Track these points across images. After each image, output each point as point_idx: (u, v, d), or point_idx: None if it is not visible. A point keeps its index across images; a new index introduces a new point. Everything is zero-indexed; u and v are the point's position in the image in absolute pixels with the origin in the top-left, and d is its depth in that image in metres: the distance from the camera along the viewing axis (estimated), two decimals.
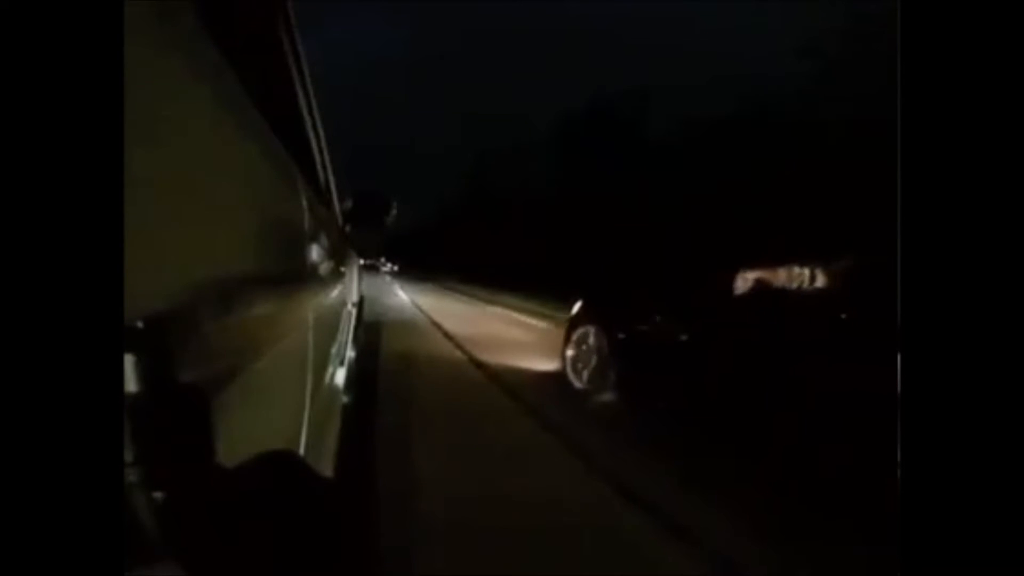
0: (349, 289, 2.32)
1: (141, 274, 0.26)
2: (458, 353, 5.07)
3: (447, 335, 6.24)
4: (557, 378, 3.82)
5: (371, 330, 5.00)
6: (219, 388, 0.37)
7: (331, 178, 1.97)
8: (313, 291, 0.92)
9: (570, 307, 3.97)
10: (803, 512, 2.11)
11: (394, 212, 2.20)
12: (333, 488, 0.55)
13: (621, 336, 3.30)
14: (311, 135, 1.50)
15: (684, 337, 2.92)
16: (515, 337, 6.54)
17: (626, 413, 3.20)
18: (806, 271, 2.63)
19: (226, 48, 0.49)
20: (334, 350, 1.51)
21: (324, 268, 1.15)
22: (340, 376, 1.79)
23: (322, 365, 1.12)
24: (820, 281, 2.57)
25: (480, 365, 4.46)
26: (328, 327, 1.31)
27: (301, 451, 0.73)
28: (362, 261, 3.80)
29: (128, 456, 0.23)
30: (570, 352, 3.74)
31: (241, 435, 0.41)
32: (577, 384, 3.63)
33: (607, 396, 3.33)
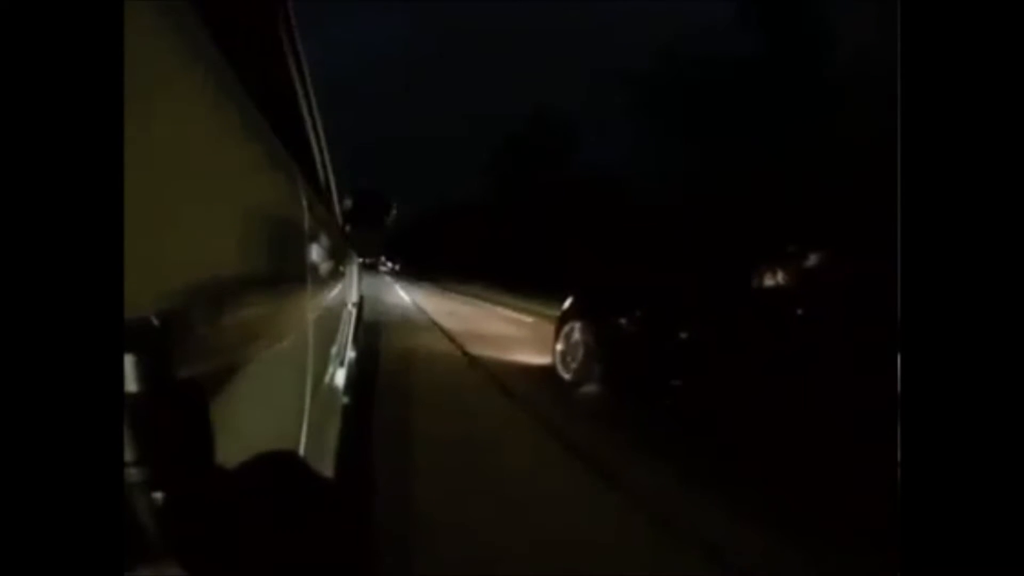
0: (349, 289, 2.32)
1: (141, 274, 0.26)
2: (457, 350, 5.28)
3: (447, 334, 6.42)
4: (548, 371, 4.06)
5: (371, 329, 5.26)
6: (219, 388, 0.37)
7: (331, 178, 1.97)
8: (313, 291, 0.92)
9: (561, 304, 4.18)
10: (770, 493, 2.28)
11: (394, 212, 2.20)
12: (333, 488, 0.55)
13: (607, 332, 3.48)
14: (311, 134, 1.50)
15: (667, 333, 3.07)
16: (510, 333, 6.84)
17: (610, 403, 3.40)
18: (787, 268, 2.77)
19: (226, 48, 0.49)
20: (334, 350, 1.51)
21: (324, 268, 1.15)
22: (340, 376, 1.79)
23: (322, 365, 1.12)
24: (801, 279, 2.69)
25: (477, 360, 4.68)
26: (328, 327, 1.31)
27: (301, 451, 0.73)
28: (362, 260, 3.83)
29: (128, 456, 0.23)
30: (559, 347, 3.96)
31: (241, 435, 0.41)
32: (566, 376, 3.84)
33: (592, 388, 3.57)
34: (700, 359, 2.86)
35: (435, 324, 7.55)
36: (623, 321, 3.40)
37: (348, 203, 2.14)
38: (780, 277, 2.75)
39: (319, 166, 1.64)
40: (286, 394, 0.69)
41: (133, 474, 0.23)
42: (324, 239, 1.17)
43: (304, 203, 0.88)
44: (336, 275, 1.53)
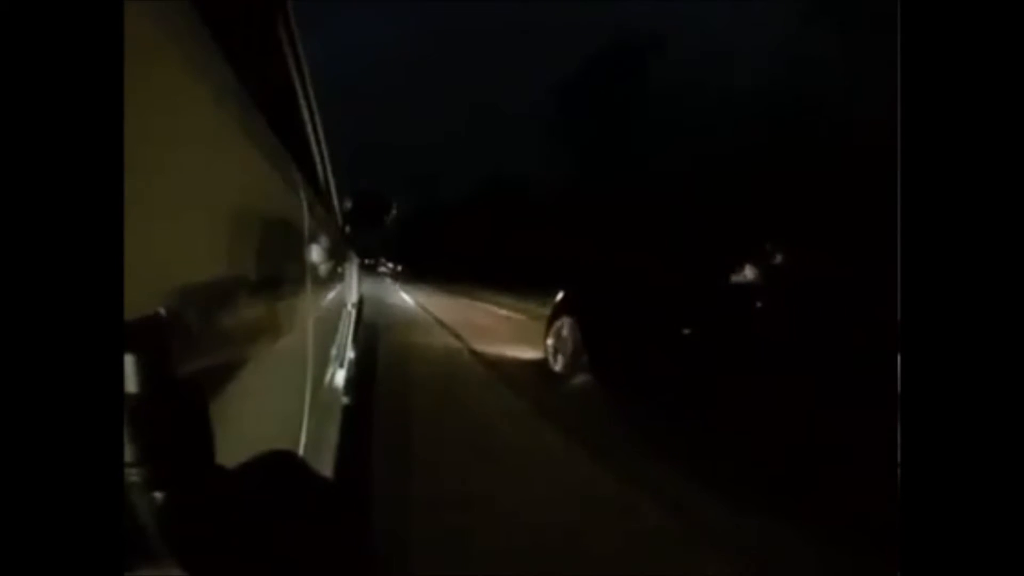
0: (348, 290, 2.32)
1: (141, 274, 0.26)
2: (458, 344, 5.77)
3: (450, 330, 6.94)
4: (540, 364, 4.42)
5: (376, 324, 5.64)
6: (219, 388, 0.37)
7: (331, 178, 1.97)
8: (312, 291, 0.92)
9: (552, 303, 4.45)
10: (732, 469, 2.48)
11: (394, 212, 2.20)
12: (333, 488, 0.55)
13: (594, 328, 3.73)
14: (310, 134, 1.50)
15: (651, 328, 3.28)
16: (506, 330, 7.34)
17: (596, 393, 3.63)
18: (767, 265, 2.93)
19: (226, 48, 0.49)
20: (334, 351, 1.51)
21: (323, 268, 1.15)
22: (340, 376, 1.79)
23: (322, 365, 1.12)
24: (783, 276, 2.85)
25: (476, 354, 5.10)
26: (327, 327, 1.31)
27: (301, 451, 0.73)
28: (362, 260, 3.88)
29: (128, 456, 0.23)
30: (550, 341, 4.25)
31: (241, 435, 0.41)
32: (556, 369, 4.11)
33: (580, 379, 3.80)
34: (683, 353, 3.01)
35: (437, 321, 7.96)
36: (609, 317, 3.61)
37: (348, 204, 2.14)
38: (759, 274, 2.91)
39: (319, 166, 1.64)
40: (286, 394, 0.69)
41: (133, 474, 0.23)
42: (324, 239, 1.18)
43: (304, 203, 0.88)
44: (336, 275, 1.53)
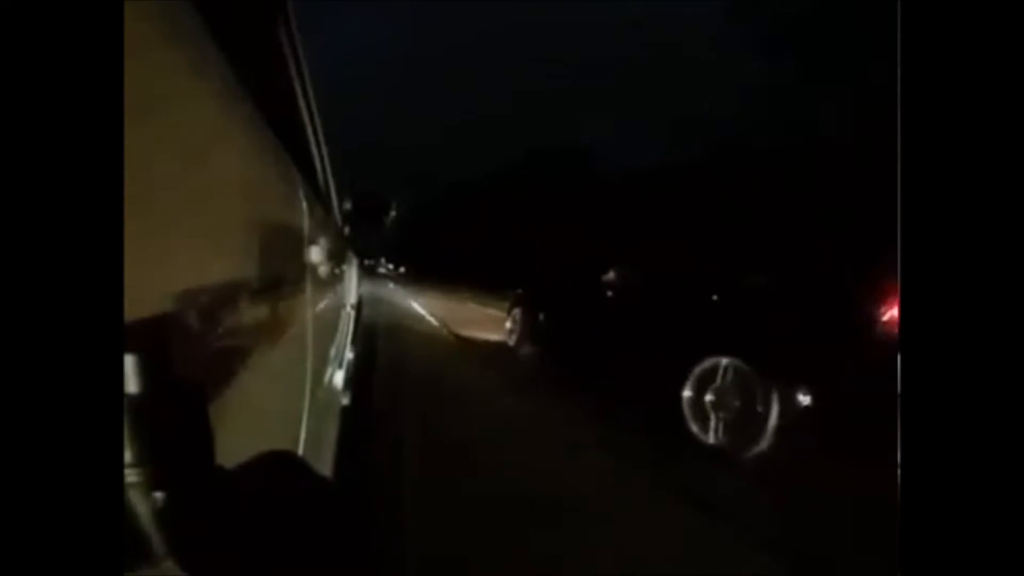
0: (348, 291, 2.32)
1: (141, 275, 0.26)
2: (440, 329, 7.95)
3: (436, 319, 9.08)
4: (501, 343, 6.19)
5: (374, 314, 7.36)
6: (219, 388, 0.37)
7: (330, 179, 1.97)
8: (312, 292, 0.92)
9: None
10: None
11: (393, 213, 2.20)
12: (333, 488, 0.55)
13: (541, 315, 5.14)
14: (310, 135, 1.50)
15: (581, 317, 4.51)
16: (481, 319, 9.41)
17: (539, 362, 5.15)
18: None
19: (225, 48, 0.49)
20: (333, 351, 1.51)
21: (323, 269, 1.15)
22: (339, 377, 1.79)
23: (321, 366, 1.12)
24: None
25: (454, 335, 7.23)
26: (327, 328, 1.31)
27: (300, 451, 0.73)
28: (362, 261, 4.03)
29: (128, 456, 0.23)
30: (508, 324, 6.01)
31: (241, 435, 0.41)
32: (510, 344, 5.80)
33: (526, 351, 5.40)
34: (599, 334, 4.14)
35: (430, 314, 9.95)
36: (548, 309, 5.07)
37: (347, 205, 2.14)
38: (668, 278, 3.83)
39: (318, 167, 1.64)
40: (286, 394, 0.69)
41: (133, 474, 0.23)
42: (323, 240, 1.18)
43: (303, 204, 0.88)
44: (335, 276, 1.53)
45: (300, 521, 0.30)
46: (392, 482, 2.08)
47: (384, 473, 2.15)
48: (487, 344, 6.44)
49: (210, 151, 0.40)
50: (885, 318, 2.40)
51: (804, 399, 2.48)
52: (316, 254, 1.00)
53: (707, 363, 2.82)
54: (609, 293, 4.18)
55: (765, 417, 2.52)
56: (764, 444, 2.51)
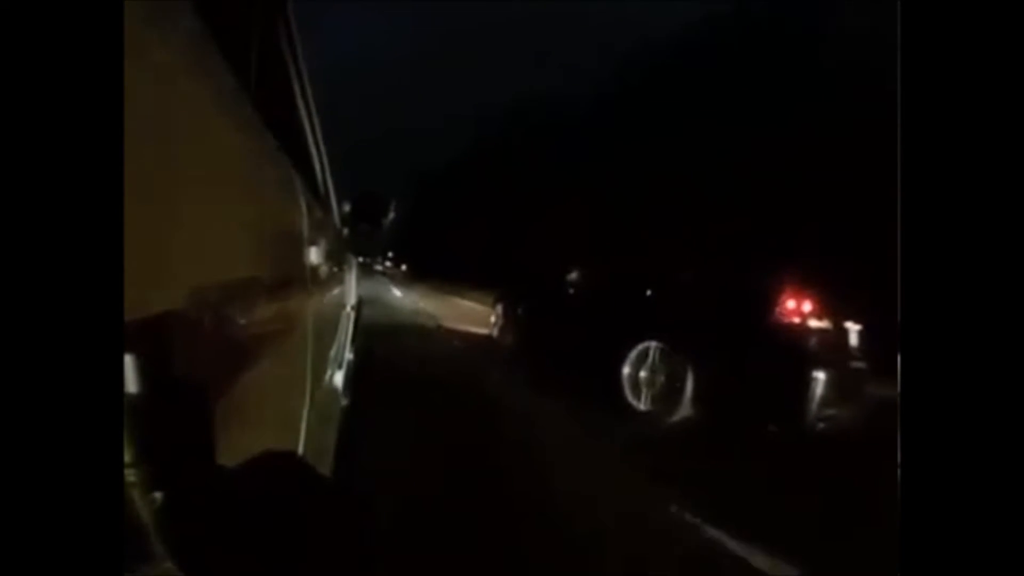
0: (347, 291, 2.32)
1: (141, 275, 0.26)
2: (431, 321, 9.05)
3: (427, 314, 10.18)
4: (486, 336, 6.98)
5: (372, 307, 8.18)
6: (219, 389, 0.37)
7: (329, 179, 1.97)
8: (311, 293, 0.92)
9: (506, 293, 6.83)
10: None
11: (392, 213, 2.20)
12: (332, 488, 0.55)
13: (519, 309, 5.82)
14: (309, 136, 1.50)
15: (549, 310, 5.14)
16: (468, 314, 10.41)
17: (516, 348, 5.81)
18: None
19: (224, 49, 0.49)
20: (332, 352, 1.51)
21: (322, 270, 1.15)
22: (339, 378, 1.79)
23: (321, 366, 1.12)
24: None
25: (443, 327, 8.18)
26: (327, 329, 1.31)
27: (300, 451, 0.73)
28: (361, 260, 4.12)
29: (128, 456, 0.23)
30: (492, 318, 6.72)
31: (241, 435, 0.41)
32: (494, 335, 6.57)
33: (507, 341, 6.07)
34: (562, 324, 4.73)
35: (421, 309, 11.11)
36: (524, 304, 5.73)
37: (347, 205, 2.14)
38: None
39: (317, 167, 1.64)
40: (286, 394, 0.69)
41: (133, 474, 0.23)
42: (322, 241, 1.17)
43: (302, 205, 0.88)
44: (334, 277, 1.53)
45: (300, 521, 0.30)
46: (391, 471, 2.17)
47: (382, 462, 2.22)
48: (474, 335, 7.33)
49: (210, 152, 0.40)
50: (779, 310, 3.17)
51: (713, 375, 3.22)
52: (315, 255, 1.00)
53: (640, 347, 3.58)
54: (571, 290, 4.97)
55: (682, 390, 3.27)
56: (683, 411, 3.27)
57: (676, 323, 3.56)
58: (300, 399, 0.78)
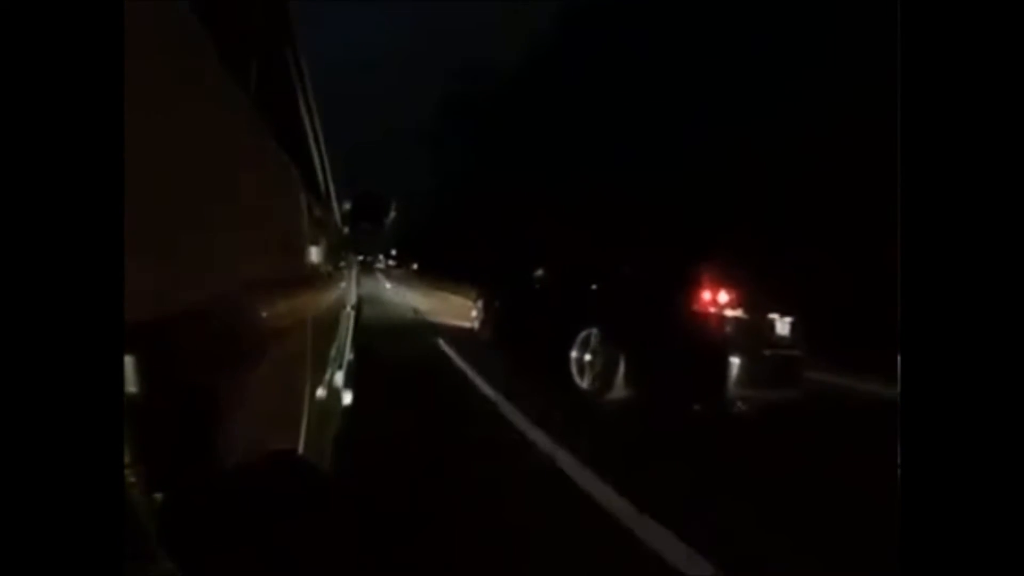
0: (348, 291, 2.32)
1: (141, 275, 0.26)
2: (422, 315, 9.98)
3: (420, 310, 10.96)
4: (469, 328, 7.67)
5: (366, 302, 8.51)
6: (219, 389, 0.37)
7: (329, 179, 1.97)
8: (312, 293, 0.92)
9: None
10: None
11: (393, 213, 2.20)
12: (332, 487, 0.55)
13: (494, 304, 6.49)
14: (309, 135, 1.50)
15: (518, 303, 5.78)
16: (453, 309, 11.28)
17: (492, 341, 6.40)
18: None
19: (225, 49, 0.49)
20: (333, 351, 1.51)
21: (323, 270, 1.15)
22: (339, 378, 1.79)
23: (321, 366, 1.12)
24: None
25: (430, 322, 8.95)
26: (327, 329, 1.31)
27: (300, 451, 0.73)
28: (361, 258, 4.16)
29: (128, 456, 0.23)
30: (473, 313, 7.42)
31: (241, 435, 0.41)
32: (475, 328, 7.16)
33: (485, 334, 6.68)
34: (527, 314, 5.37)
35: (413, 307, 11.79)
36: (500, 299, 6.35)
37: (347, 204, 2.14)
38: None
39: (318, 167, 1.64)
40: (285, 394, 0.69)
41: (133, 474, 0.23)
42: (323, 241, 1.18)
43: (303, 205, 0.88)
44: (335, 277, 1.53)
45: (300, 520, 0.30)
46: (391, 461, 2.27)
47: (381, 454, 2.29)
48: (459, 329, 8.07)
49: (211, 153, 0.40)
50: (697, 301, 3.57)
51: (641, 359, 3.70)
52: (316, 254, 1.00)
53: (584, 332, 4.11)
54: (536, 286, 5.65)
55: (615, 371, 3.73)
56: (616, 391, 3.74)
57: (612, 312, 4.12)
58: (300, 399, 0.78)
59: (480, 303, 7.18)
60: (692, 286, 3.61)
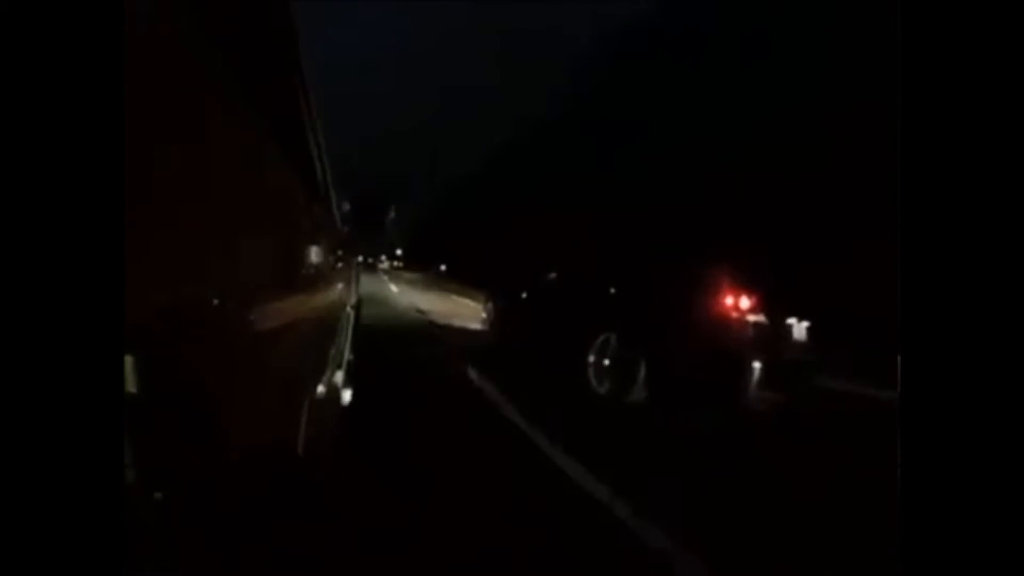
0: (348, 291, 2.32)
1: (142, 275, 0.26)
2: (424, 316, 9.35)
3: (421, 311, 10.16)
4: (479, 328, 7.55)
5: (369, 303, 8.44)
6: (219, 388, 0.37)
7: (329, 180, 1.97)
8: (311, 293, 0.92)
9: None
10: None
11: (393, 213, 2.20)
12: (331, 488, 0.55)
13: (502, 304, 6.48)
14: (310, 137, 1.49)
15: (531, 307, 5.60)
16: (461, 311, 10.84)
17: (499, 340, 6.28)
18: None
19: (225, 49, 0.49)
20: (333, 351, 1.51)
21: (323, 270, 1.15)
22: (339, 377, 1.79)
23: (321, 366, 1.12)
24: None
25: (433, 322, 8.40)
26: (327, 328, 1.31)
27: (300, 451, 0.73)
28: (361, 259, 4.11)
29: (128, 456, 0.23)
30: (483, 315, 7.26)
31: (241, 435, 0.41)
32: (484, 329, 7.05)
33: (493, 333, 6.66)
34: (541, 318, 5.21)
35: (416, 307, 11.22)
36: (511, 301, 6.21)
37: (346, 205, 2.14)
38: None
39: (317, 168, 1.64)
40: (285, 394, 0.69)
41: (133, 474, 0.23)
42: (323, 241, 1.18)
43: (304, 206, 0.88)
44: (335, 277, 1.53)
45: (300, 521, 0.30)
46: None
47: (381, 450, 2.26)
48: (468, 331, 8.09)
49: (211, 154, 0.40)
50: (720, 306, 3.55)
51: (661, 363, 3.66)
52: (316, 254, 1.00)
53: (602, 337, 4.07)
54: (549, 290, 5.64)
55: (635, 376, 3.69)
56: (634, 394, 3.68)
57: (631, 317, 4.10)
58: (300, 398, 0.78)
59: (490, 305, 7.22)
60: (715, 291, 3.62)
